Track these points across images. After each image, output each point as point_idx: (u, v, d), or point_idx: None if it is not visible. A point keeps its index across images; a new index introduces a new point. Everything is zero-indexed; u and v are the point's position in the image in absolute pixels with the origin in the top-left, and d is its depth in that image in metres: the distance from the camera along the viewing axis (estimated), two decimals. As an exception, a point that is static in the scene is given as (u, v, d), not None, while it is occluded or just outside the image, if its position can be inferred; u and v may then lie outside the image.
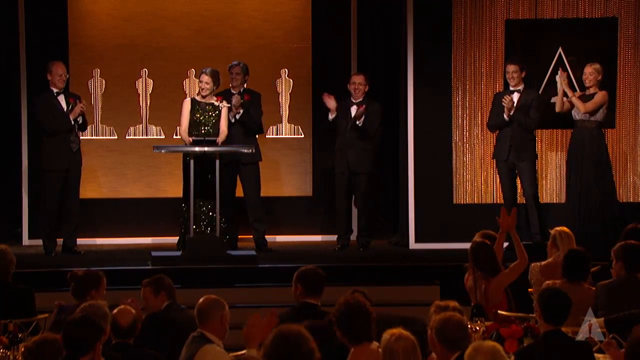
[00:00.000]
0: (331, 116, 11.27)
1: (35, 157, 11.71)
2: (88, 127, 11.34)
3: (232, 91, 11.24)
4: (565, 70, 11.26)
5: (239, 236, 11.51)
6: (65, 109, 10.85)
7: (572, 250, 7.71)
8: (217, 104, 10.78)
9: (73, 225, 11.02)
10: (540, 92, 11.37)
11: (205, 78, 10.76)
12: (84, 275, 7.13)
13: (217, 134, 10.75)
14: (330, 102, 11.22)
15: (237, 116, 11.08)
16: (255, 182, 11.30)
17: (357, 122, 11.19)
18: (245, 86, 11.28)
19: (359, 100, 11.29)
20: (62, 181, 10.88)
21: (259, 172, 11.32)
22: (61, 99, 10.90)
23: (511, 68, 10.98)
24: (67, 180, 10.89)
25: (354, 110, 11.26)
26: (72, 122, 10.84)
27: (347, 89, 11.35)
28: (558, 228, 8.30)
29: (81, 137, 11.15)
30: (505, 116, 10.87)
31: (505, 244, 8.27)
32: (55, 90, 10.89)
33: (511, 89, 11.01)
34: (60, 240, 11.09)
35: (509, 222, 7.92)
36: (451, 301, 5.98)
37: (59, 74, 10.87)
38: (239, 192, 11.37)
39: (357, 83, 11.29)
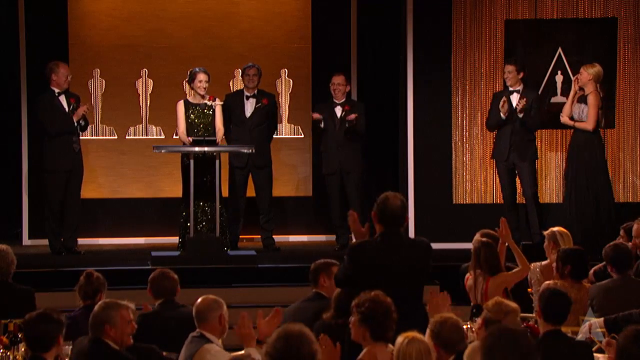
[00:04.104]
0: (322, 125, 11.31)
1: (35, 157, 11.73)
2: (88, 127, 11.34)
3: (247, 93, 11.27)
4: (567, 79, 11.30)
5: (243, 236, 11.55)
6: (67, 110, 10.85)
7: (572, 250, 7.71)
8: (210, 103, 10.79)
9: (73, 225, 11.02)
10: (540, 92, 11.37)
11: (205, 77, 10.78)
12: (97, 277, 7.14)
13: (214, 133, 10.78)
14: (315, 116, 11.28)
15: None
16: (269, 183, 11.37)
17: (348, 125, 11.21)
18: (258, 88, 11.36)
19: (342, 101, 11.32)
20: (65, 181, 10.89)
21: (272, 174, 11.39)
22: (62, 99, 10.90)
23: (507, 68, 10.99)
24: (70, 180, 10.89)
25: (338, 110, 11.30)
26: (75, 123, 10.85)
27: (328, 90, 11.40)
28: (555, 228, 8.29)
29: (81, 138, 11.14)
30: (502, 115, 10.88)
31: None
32: (57, 90, 10.89)
33: (510, 89, 11.02)
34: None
35: (506, 233, 7.84)
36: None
37: (65, 75, 10.87)
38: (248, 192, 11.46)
39: (337, 84, 11.33)
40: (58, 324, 5.52)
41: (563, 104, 11.06)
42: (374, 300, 5.50)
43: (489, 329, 4.35)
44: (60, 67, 10.90)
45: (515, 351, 4.23)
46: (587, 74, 10.77)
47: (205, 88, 10.80)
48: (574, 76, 11.11)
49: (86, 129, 11.17)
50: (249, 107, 11.27)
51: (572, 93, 10.89)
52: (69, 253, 10.92)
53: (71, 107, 10.86)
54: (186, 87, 11.78)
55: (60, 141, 10.81)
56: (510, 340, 4.29)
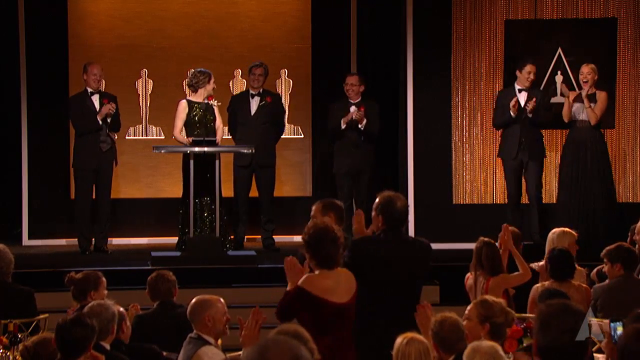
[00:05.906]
0: (343, 125, 11.26)
1: (35, 156, 11.76)
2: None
3: (252, 92, 11.28)
4: (567, 79, 11.29)
5: (246, 236, 11.56)
6: (97, 109, 10.89)
7: (553, 250, 7.74)
8: (211, 103, 10.81)
9: (103, 225, 11.07)
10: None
11: (213, 78, 10.79)
12: (81, 277, 7.13)
13: (214, 132, 10.79)
14: (357, 115, 11.20)
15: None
16: (272, 183, 11.39)
17: (360, 126, 11.20)
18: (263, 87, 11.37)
19: (357, 101, 11.31)
20: (92, 180, 10.97)
21: (275, 173, 11.40)
22: (95, 98, 10.97)
23: (530, 68, 10.89)
24: (97, 180, 10.96)
25: (353, 110, 11.27)
26: (100, 122, 10.88)
27: (343, 91, 11.37)
28: (559, 229, 8.30)
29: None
30: (512, 113, 10.83)
31: None
32: (89, 89, 10.95)
33: (518, 87, 10.95)
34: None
35: (508, 239, 7.78)
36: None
37: (94, 73, 10.96)
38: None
39: (351, 84, 11.31)
40: (92, 329, 5.37)
41: (562, 104, 11.04)
42: (315, 226, 5.82)
43: (622, 335, 4.22)
44: (90, 67, 11.01)
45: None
46: (594, 72, 10.78)
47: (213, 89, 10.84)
48: (573, 76, 11.12)
49: (116, 129, 11.16)
50: (254, 105, 11.28)
51: (567, 102, 10.85)
52: (99, 252, 10.97)
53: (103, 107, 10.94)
54: (185, 86, 11.82)
55: (87, 140, 10.91)
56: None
